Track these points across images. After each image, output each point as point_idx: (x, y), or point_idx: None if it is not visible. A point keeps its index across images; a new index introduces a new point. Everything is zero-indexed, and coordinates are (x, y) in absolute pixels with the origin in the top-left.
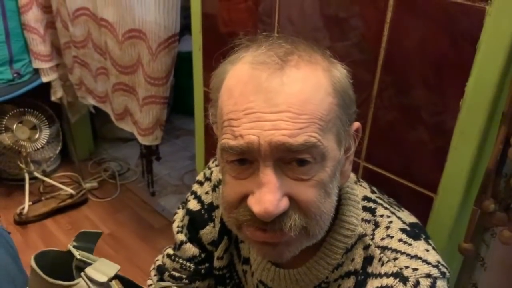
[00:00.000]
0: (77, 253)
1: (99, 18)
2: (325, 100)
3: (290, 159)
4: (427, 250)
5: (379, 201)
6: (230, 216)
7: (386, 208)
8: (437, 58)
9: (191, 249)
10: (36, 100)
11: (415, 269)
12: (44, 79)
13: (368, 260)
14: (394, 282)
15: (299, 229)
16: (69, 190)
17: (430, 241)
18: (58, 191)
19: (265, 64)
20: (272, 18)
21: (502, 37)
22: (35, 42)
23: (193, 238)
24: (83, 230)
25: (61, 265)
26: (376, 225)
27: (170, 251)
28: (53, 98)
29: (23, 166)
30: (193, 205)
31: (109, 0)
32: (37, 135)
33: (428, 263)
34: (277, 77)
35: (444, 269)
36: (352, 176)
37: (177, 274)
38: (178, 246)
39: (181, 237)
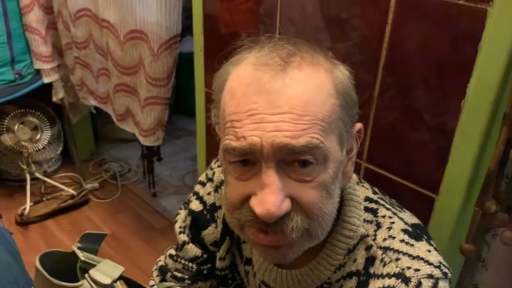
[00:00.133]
0: (81, 255)
1: (100, 19)
2: (327, 101)
3: (292, 160)
4: (429, 251)
5: (381, 201)
6: (232, 217)
7: (388, 209)
8: (439, 59)
9: (193, 250)
10: (37, 101)
11: (417, 270)
12: (46, 80)
13: (370, 260)
14: (396, 282)
15: (301, 231)
16: (70, 190)
17: (432, 242)
18: (59, 191)
19: (267, 66)
20: (273, 18)
21: (503, 38)
22: (37, 43)
23: (195, 238)
24: (87, 231)
25: (65, 266)
26: (378, 225)
27: (172, 251)
28: (54, 99)
29: (24, 166)
30: (195, 205)
31: (110, 1)
32: (38, 136)
33: (430, 264)
34: (279, 78)
35: (446, 270)
36: (354, 177)
37: (179, 275)
38: (180, 247)
39: (183, 237)
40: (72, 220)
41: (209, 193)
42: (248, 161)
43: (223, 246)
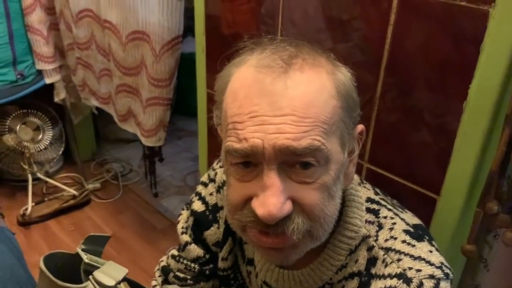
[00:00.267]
0: (85, 257)
1: (102, 20)
2: (329, 103)
3: (294, 162)
4: (431, 252)
5: (383, 202)
6: (234, 218)
7: (389, 210)
8: (441, 60)
9: (195, 250)
10: (39, 101)
11: (418, 270)
12: (47, 80)
13: (372, 261)
14: (397, 283)
15: (303, 233)
16: (72, 191)
17: (433, 243)
18: (61, 192)
19: (269, 68)
20: (275, 19)
21: (505, 39)
22: (39, 43)
23: (198, 239)
24: (91, 233)
25: (69, 267)
26: (380, 226)
27: (174, 252)
28: (56, 100)
29: (26, 167)
30: (198, 206)
31: (112, 2)
32: (40, 136)
33: (432, 264)
34: (281, 80)
35: (447, 270)
36: (356, 178)
37: (181, 275)
38: (182, 247)
39: (185, 238)
40: (74, 220)
41: (211, 194)
42: (250, 162)
43: (225, 247)
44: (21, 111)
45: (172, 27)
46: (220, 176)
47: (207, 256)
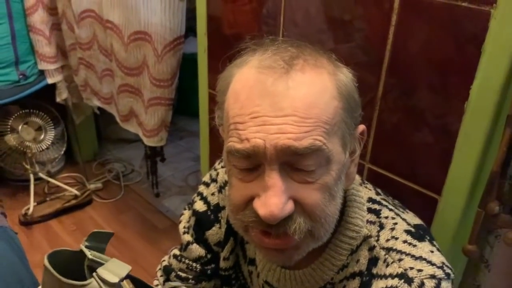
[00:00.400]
0: (89, 253)
1: (104, 20)
2: (330, 104)
3: (295, 164)
4: (432, 252)
5: (384, 202)
6: (236, 218)
7: (391, 210)
8: (442, 60)
9: (197, 250)
10: (41, 101)
11: (419, 270)
12: (50, 80)
13: (373, 261)
14: (399, 283)
15: (304, 233)
16: (74, 191)
17: (434, 243)
18: (63, 191)
19: (271, 69)
20: (277, 20)
21: (507, 40)
22: (41, 43)
23: (200, 239)
24: (95, 230)
25: (73, 264)
26: (381, 226)
27: (176, 251)
28: (58, 100)
29: (28, 166)
30: (199, 206)
31: (115, 2)
32: (42, 136)
33: (433, 264)
34: (283, 81)
35: (448, 270)
36: (357, 178)
37: (183, 275)
38: (184, 247)
39: (187, 237)
40: (76, 220)
41: (213, 194)
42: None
43: (227, 247)
44: (23, 111)
45: (174, 28)
46: (222, 176)
47: (208, 256)
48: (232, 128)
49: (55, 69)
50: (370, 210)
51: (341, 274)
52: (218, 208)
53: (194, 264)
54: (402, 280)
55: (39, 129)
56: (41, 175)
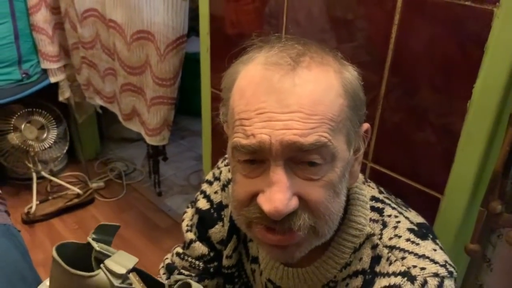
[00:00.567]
0: (96, 245)
1: (107, 20)
2: (336, 101)
3: (300, 159)
4: (435, 250)
5: (387, 201)
6: (240, 214)
7: (393, 208)
8: (445, 60)
9: (200, 248)
10: (44, 100)
11: (422, 268)
12: (52, 79)
13: (376, 259)
14: (402, 281)
15: (308, 229)
16: (76, 189)
17: (437, 241)
18: (65, 190)
19: (277, 65)
20: (279, 19)
21: (510, 39)
22: (44, 42)
23: (202, 237)
24: (102, 223)
25: (79, 257)
26: (384, 225)
27: (179, 249)
28: (60, 99)
29: (30, 165)
30: (203, 204)
31: (117, 2)
32: (44, 135)
33: (436, 263)
34: (289, 78)
35: (451, 269)
36: (360, 176)
37: (186, 273)
38: (187, 245)
39: (190, 236)
40: (78, 219)
41: (216, 192)
42: (256, 160)
43: (229, 245)
44: (26, 110)
45: (177, 27)
46: (225, 174)
47: (211, 254)
48: (237, 124)
49: (58, 68)
50: (373, 209)
51: (344, 272)
52: (221, 206)
53: (197, 262)
54: (405, 278)
55: (41, 128)
56: (43, 173)
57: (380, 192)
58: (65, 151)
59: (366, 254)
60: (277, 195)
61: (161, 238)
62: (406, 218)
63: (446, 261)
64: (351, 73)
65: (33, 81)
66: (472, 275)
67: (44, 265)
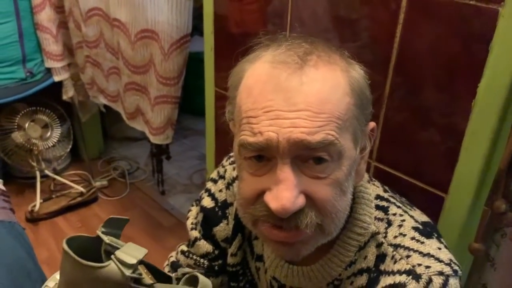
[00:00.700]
0: (106, 238)
1: (111, 19)
2: (342, 100)
3: (308, 157)
4: (440, 249)
5: (392, 200)
6: (246, 212)
7: (398, 207)
8: (450, 59)
9: (204, 246)
10: (47, 99)
11: (427, 267)
12: (56, 78)
13: (381, 257)
14: (406, 279)
15: (315, 227)
16: (80, 188)
17: (442, 240)
18: (69, 189)
19: (285, 64)
20: (284, 18)
21: None
22: (48, 41)
23: (207, 235)
24: (111, 216)
25: (89, 250)
26: (389, 223)
27: (184, 247)
28: (64, 97)
29: (34, 164)
30: (207, 202)
31: (122, 1)
32: (48, 134)
33: (441, 261)
34: (296, 76)
35: (456, 267)
36: (365, 175)
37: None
38: (192, 243)
39: (195, 234)
40: (81, 217)
41: (220, 190)
42: (263, 156)
43: (234, 243)
44: (30, 108)
45: (181, 26)
46: (230, 173)
47: (216, 252)
48: (244, 122)
49: (62, 67)
50: (378, 207)
51: (349, 270)
52: (225, 205)
53: (202, 260)
54: (410, 277)
55: (45, 126)
56: (47, 172)
57: (385, 191)
58: (68, 149)
59: (371, 253)
60: (284, 193)
61: (164, 236)
62: (411, 216)
63: (451, 260)
64: (358, 71)
65: (37, 80)
66: (475, 274)
67: (48, 263)
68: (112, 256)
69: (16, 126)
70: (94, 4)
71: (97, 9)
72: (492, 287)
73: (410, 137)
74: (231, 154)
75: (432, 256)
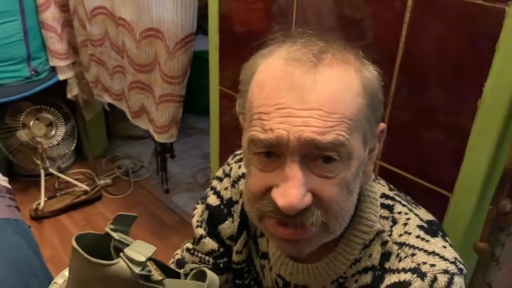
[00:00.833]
0: (115, 234)
1: (116, 17)
2: (355, 100)
3: (317, 156)
4: (444, 247)
5: (397, 198)
6: (253, 206)
7: (403, 206)
8: (456, 58)
9: (210, 244)
10: (52, 97)
11: (432, 265)
12: (61, 77)
13: (386, 256)
14: (411, 277)
15: (319, 225)
16: (84, 186)
17: (447, 238)
18: (73, 187)
19: (299, 61)
20: (289, 17)
21: None
22: (52, 40)
23: (212, 232)
24: (120, 213)
25: (98, 247)
26: (394, 221)
27: (189, 245)
28: (69, 96)
29: (39, 162)
30: (213, 200)
31: (127, 0)
32: (53, 132)
33: (446, 259)
34: (310, 75)
35: (461, 266)
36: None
37: None
38: (197, 241)
39: (200, 231)
40: (85, 216)
41: (226, 188)
42: (273, 153)
43: (240, 240)
44: (35, 107)
45: (186, 25)
46: (235, 171)
47: (221, 250)
48: (255, 118)
49: (66, 65)
50: (383, 206)
51: (354, 268)
52: (231, 203)
53: (207, 258)
54: (415, 275)
55: (50, 125)
56: (51, 170)
57: (390, 190)
58: (73, 148)
59: (376, 251)
60: (292, 190)
61: (167, 234)
62: (416, 215)
63: (456, 258)
64: (371, 72)
65: (41, 79)
66: (480, 273)
67: (52, 261)
68: (121, 254)
69: (20, 125)
70: (99, 3)
71: (102, 7)
72: (497, 286)
73: (416, 136)
74: (237, 152)
75: (437, 254)
